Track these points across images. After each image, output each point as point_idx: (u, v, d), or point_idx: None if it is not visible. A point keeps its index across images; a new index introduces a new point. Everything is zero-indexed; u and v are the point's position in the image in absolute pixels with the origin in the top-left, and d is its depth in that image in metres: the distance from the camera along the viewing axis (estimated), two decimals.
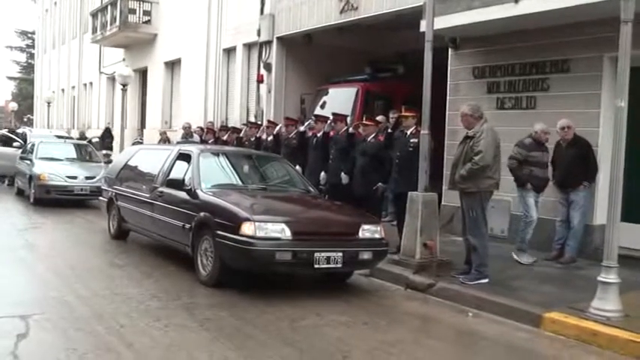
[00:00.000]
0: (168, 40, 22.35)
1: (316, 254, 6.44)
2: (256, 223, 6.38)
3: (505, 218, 9.53)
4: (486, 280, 7.02)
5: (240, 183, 8.11)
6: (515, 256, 8.28)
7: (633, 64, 5.81)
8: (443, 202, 9.88)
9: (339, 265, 6.65)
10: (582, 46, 8.66)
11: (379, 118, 10.27)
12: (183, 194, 7.58)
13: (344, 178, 9.36)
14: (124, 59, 25.64)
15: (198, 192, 7.39)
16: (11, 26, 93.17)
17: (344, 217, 7.43)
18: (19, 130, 22.05)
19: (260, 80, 16.12)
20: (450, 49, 10.67)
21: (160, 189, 8.16)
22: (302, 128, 11.04)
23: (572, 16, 8.12)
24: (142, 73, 24.93)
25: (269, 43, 15.61)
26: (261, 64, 15.96)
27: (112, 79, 26.52)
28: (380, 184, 8.83)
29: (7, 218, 11.91)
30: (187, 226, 7.26)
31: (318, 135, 10.33)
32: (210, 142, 13.50)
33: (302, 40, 15.03)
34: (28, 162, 14.53)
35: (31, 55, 53.11)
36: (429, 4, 8.00)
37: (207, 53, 19.16)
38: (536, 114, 9.21)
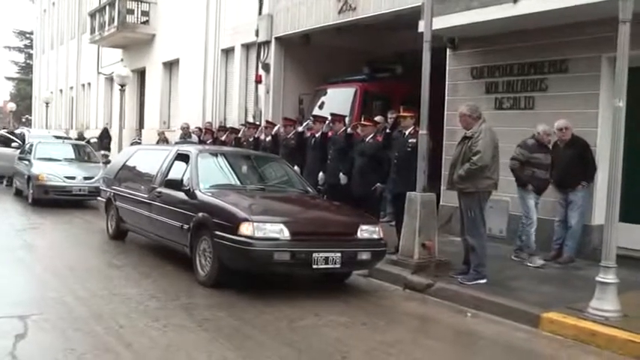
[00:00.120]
0: (167, 40, 22.34)
1: (315, 254, 6.44)
2: (255, 224, 6.39)
3: (503, 218, 9.53)
4: (485, 281, 7.02)
5: (238, 183, 8.10)
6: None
7: (631, 64, 5.82)
8: (441, 203, 9.88)
9: (338, 266, 6.65)
10: (581, 46, 8.66)
11: (377, 118, 10.27)
12: (181, 194, 7.58)
13: (342, 178, 9.36)
14: (122, 60, 25.65)
15: (197, 192, 7.39)
16: (9, 26, 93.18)
17: (342, 218, 7.43)
18: (18, 131, 22.02)
19: (258, 80, 16.11)
20: (448, 50, 10.67)
21: (159, 189, 8.16)
22: (300, 128, 11.03)
23: (571, 16, 8.12)
24: (140, 74, 24.92)
25: (267, 43, 15.60)
26: (260, 65, 15.94)
27: (110, 79, 26.50)
28: (378, 184, 8.82)
29: (5, 219, 11.91)
30: (186, 226, 7.25)
31: (317, 135, 10.33)
32: (208, 142, 13.49)
33: (300, 41, 15.02)
34: (27, 162, 14.52)
35: (30, 56, 53.05)
36: (428, 4, 8.01)
37: (206, 54, 19.16)
38: (534, 114, 9.22)
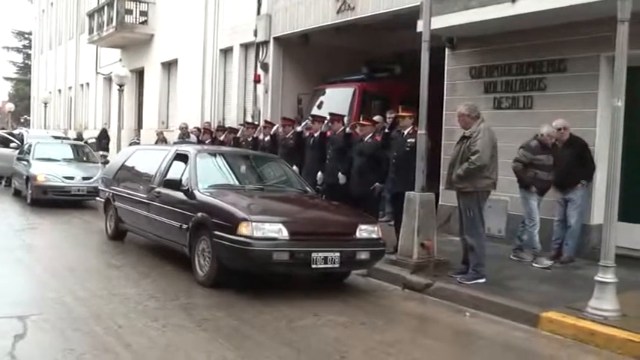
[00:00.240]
0: (165, 40, 22.32)
1: (313, 254, 6.44)
2: (253, 224, 6.38)
3: (502, 218, 9.54)
4: (483, 280, 7.03)
5: (237, 183, 8.10)
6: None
7: (630, 63, 5.82)
8: (440, 202, 9.88)
9: (337, 265, 6.65)
10: (579, 46, 8.67)
11: (376, 118, 10.26)
12: (180, 195, 7.57)
13: (341, 178, 9.35)
14: (120, 60, 25.63)
15: (196, 192, 7.38)
16: (8, 27, 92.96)
17: (341, 217, 7.43)
18: (16, 131, 22.00)
19: (257, 80, 16.10)
20: (447, 49, 10.67)
21: (158, 189, 8.15)
22: (299, 128, 11.03)
23: (569, 15, 8.13)
24: (139, 74, 24.89)
25: (266, 43, 15.60)
26: (258, 65, 15.94)
27: (108, 79, 26.48)
28: (377, 184, 8.82)
29: (4, 219, 11.90)
30: (185, 226, 7.25)
31: (316, 135, 10.33)
32: (207, 142, 13.49)
33: (299, 40, 15.02)
34: (25, 163, 14.52)
35: (28, 56, 52.97)
36: (426, 4, 8.01)
37: (204, 53, 19.14)
38: (533, 114, 9.23)
